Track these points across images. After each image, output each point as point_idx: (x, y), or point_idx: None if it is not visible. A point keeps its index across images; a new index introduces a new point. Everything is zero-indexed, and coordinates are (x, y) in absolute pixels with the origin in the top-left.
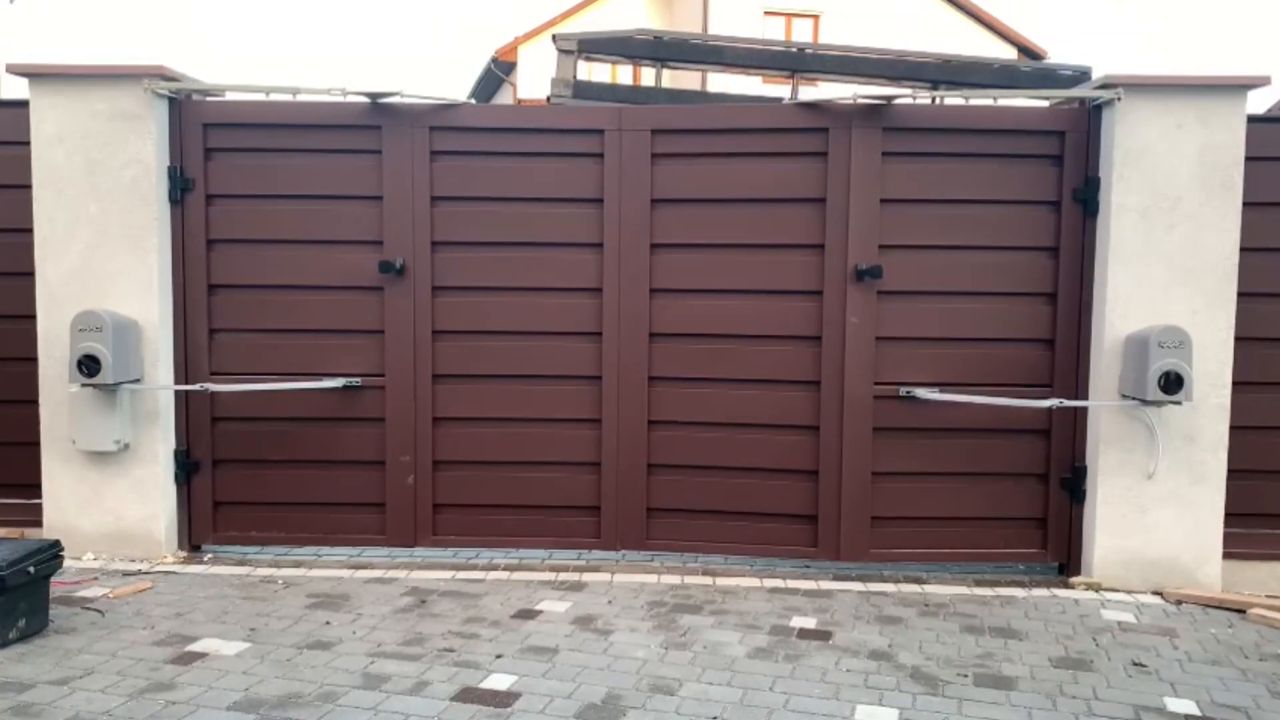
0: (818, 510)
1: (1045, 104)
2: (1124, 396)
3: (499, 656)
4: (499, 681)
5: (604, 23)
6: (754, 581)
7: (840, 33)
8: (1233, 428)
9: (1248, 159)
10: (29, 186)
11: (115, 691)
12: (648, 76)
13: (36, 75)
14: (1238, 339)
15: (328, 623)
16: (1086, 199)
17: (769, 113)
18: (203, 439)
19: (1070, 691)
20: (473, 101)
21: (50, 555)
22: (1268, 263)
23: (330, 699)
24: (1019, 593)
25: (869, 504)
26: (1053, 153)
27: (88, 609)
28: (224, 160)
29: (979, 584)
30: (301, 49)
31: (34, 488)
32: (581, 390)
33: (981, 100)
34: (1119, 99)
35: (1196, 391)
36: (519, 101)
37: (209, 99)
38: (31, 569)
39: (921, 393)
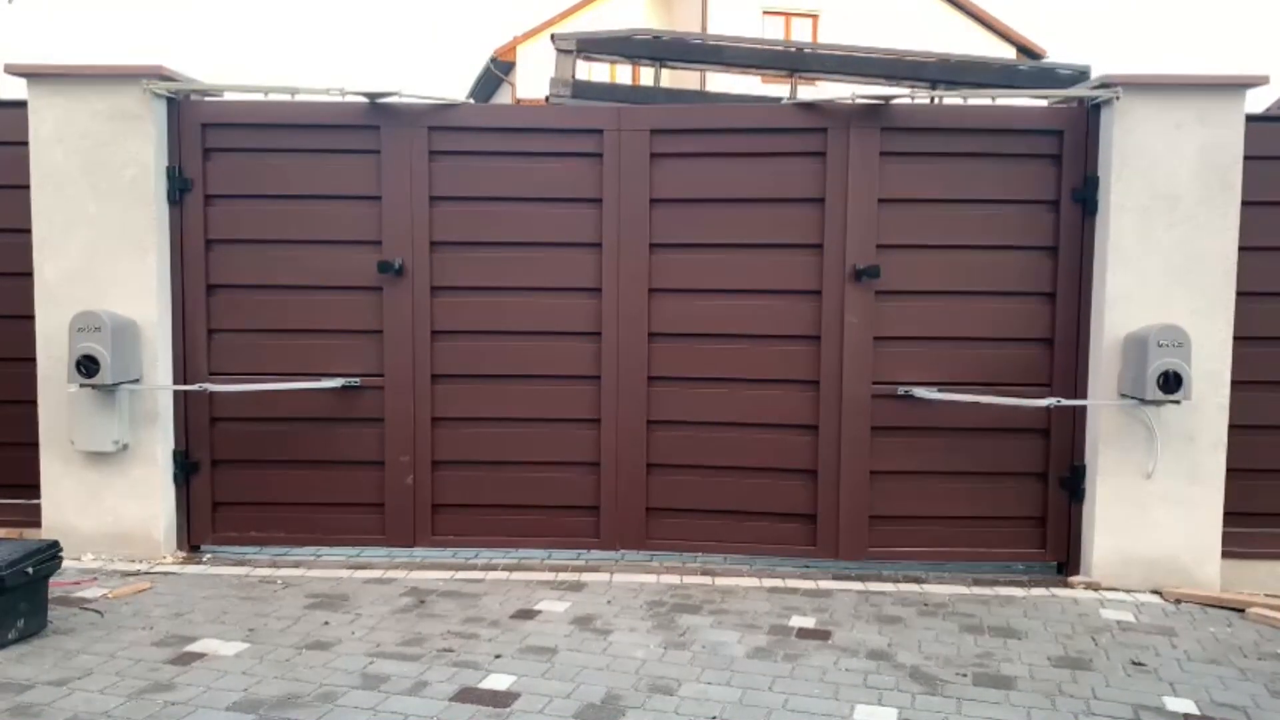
0: (817, 509)
1: (1044, 103)
2: (1123, 396)
3: (498, 656)
4: (498, 681)
5: (603, 22)
6: (753, 581)
7: (839, 32)
8: (1232, 427)
9: (1247, 158)
10: (28, 186)
11: (114, 692)
12: (647, 76)
13: (35, 75)
14: (1237, 338)
15: (327, 623)
16: (1085, 198)
17: (768, 113)
18: (202, 439)
19: (1069, 691)
20: (471, 101)
21: (49, 556)
22: (1267, 262)
23: (329, 699)
24: (1018, 592)
25: (867, 503)
26: (1051, 152)
27: (87, 609)
28: (223, 160)
29: (978, 583)
30: (300, 49)
31: (33, 488)
32: (581, 390)
33: (980, 100)
34: (1118, 98)
35: (1195, 391)
36: (518, 101)
37: (207, 99)
38: (30, 569)
39: (920, 392)
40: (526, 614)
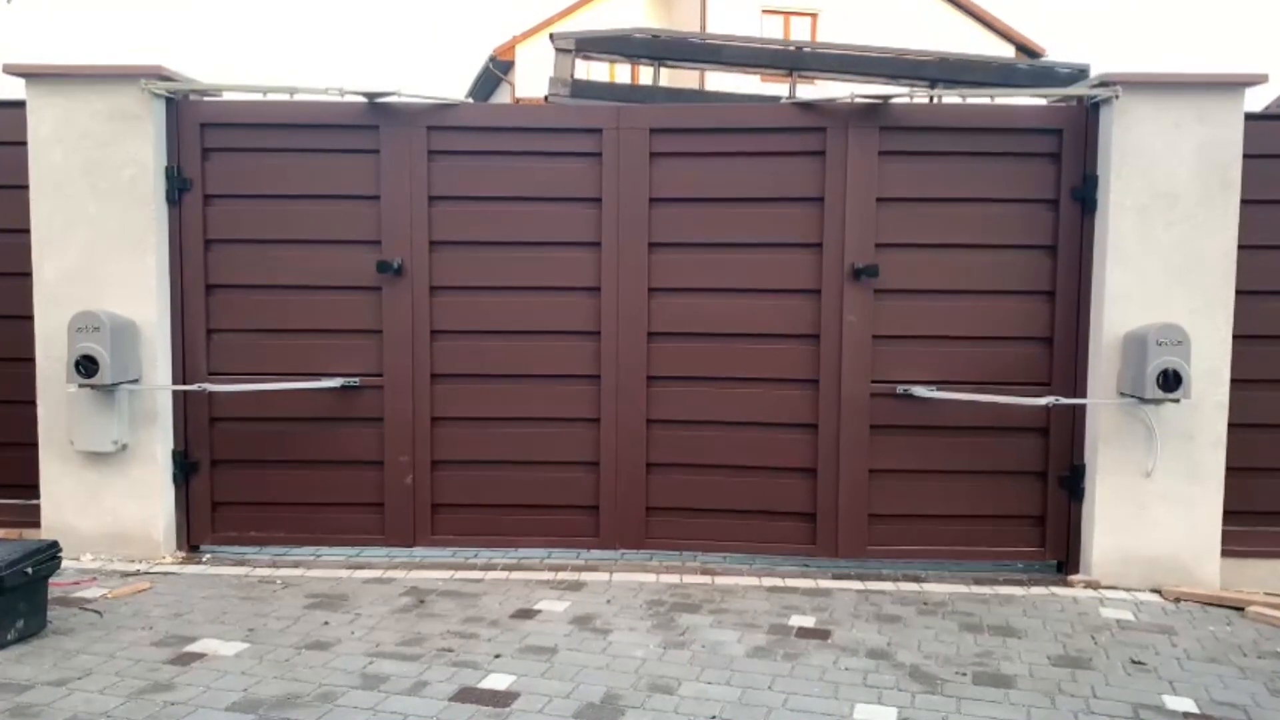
0: (816, 508)
1: (1043, 102)
2: (1122, 394)
3: (498, 656)
4: (498, 681)
5: (602, 21)
6: (752, 580)
7: (838, 31)
8: (1231, 425)
9: (1246, 156)
10: (27, 187)
11: (114, 692)
12: (646, 75)
13: (34, 75)
14: (1236, 337)
15: (326, 623)
16: (1085, 197)
17: (767, 112)
18: (201, 439)
19: (1069, 690)
20: (470, 101)
21: (48, 556)
22: (1266, 261)
23: (329, 699)
24: (1018, 591)
25: (866, 502)
26: (1050, 151)
27: (86, 610)
28: (222, 160)
29: (977, 582)
30: (299, 49)
31: (32, 488)
32: (580, 389)
33: (979, 99)
34: (1117, 97)
35: (1195, 389)
36: (517, 101)
37: (206, 99)
38: (30, 570)
39: (919, 391)
40: (526, 613)
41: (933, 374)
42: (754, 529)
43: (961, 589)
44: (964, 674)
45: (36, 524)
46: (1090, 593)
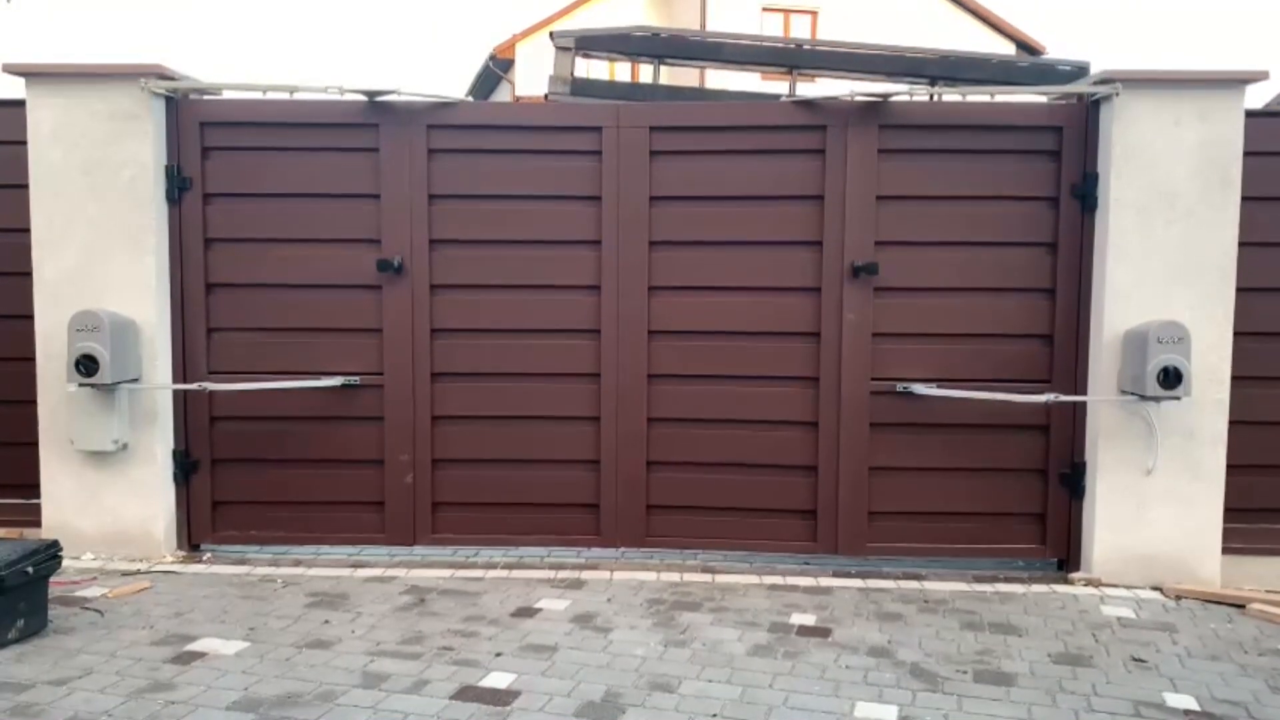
0: (816, 506)
1: (1043, 100)
2: (1123, 392)
3: (498, 655)
4: (498, 680)
5: (602, 19)
6: (753, 579)
7: (838, 29)
8: (1232, 423)
9: (1246, 154)
10: (27, 186)
11: (114, 691)
12: (646, 73)
13: (33, 75)
14: (1237, 334)
15: (327, 622)
16: (1085, 195)
17: (767, 110)
18: (201, 438)
19: (1070, 687)
20: (470, 99)
21: (49, 555)
22: (1267, 258)
23: (329, 698)
24: (1018, 589)
25: (866, 499)
26: (1051, 148)
27: (87, 609)
28: (221, 159)
29: (978, 580)
30: (299, 48)
31: (33, 488)
32: (580, 388)
33: (979, 96)
34: (1117, 94)
35: (1195, 387)
36: (517, 99)
37: (206, 98)
38: (30, 569)
39: (919, 388)
40: (527, 612)
41: (933, 372)
42: (754, 527)
43: (962, 587)
44: (965, 672)
45: (37, 523)
46: (1091, 590)
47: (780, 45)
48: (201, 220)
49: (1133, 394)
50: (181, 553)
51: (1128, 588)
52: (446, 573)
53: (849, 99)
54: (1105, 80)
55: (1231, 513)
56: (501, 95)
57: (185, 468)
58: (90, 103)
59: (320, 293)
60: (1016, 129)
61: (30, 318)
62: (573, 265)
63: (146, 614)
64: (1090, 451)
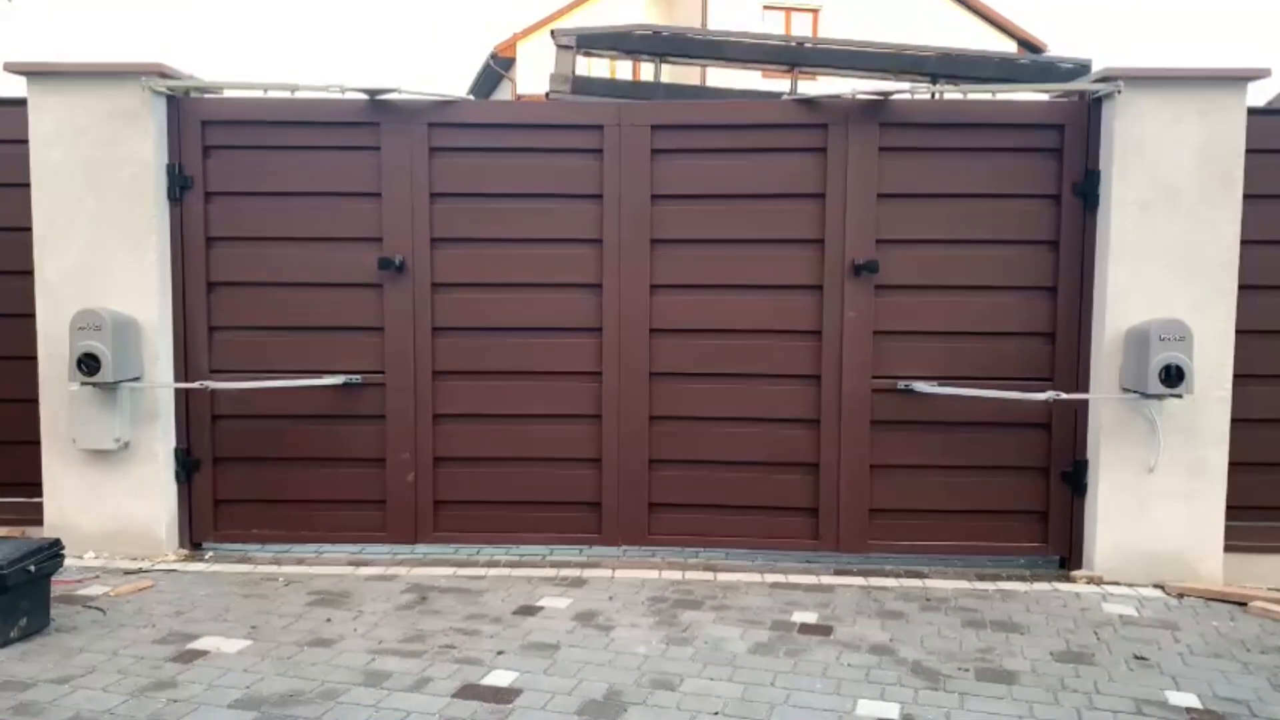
0: (818, 503)
1: (1045, 98)
2: (1125, 390)
3: (500, 653)
4: (500, 678)
5: (603, 18)
6: (755, 577)
7: (840, 27)
8: (1234, 420)
9: (1248, 151)
10: (28, 185)
11: (117, 690)
12: (647, 72)
13: (35, 73)
14: (1239, 332)
15: (329, 620)
16: (1086, 192)
17: (768, 108)
18: (203, 437)
19: (1072, 685)
20: (471, 98)
21: (51, 554)
22: (1269, 255)
23: (331, 696)
24: (1020, 587)
25: (868, 496)
26: (1052, 146)
27: (89, 607)
28: (223, 157)
29: (980, 578)
30: (300, 47)
31: (35, 486)
32: (582, 386)
33: (980, 94)
34: (1119, 92)
35: (1197, 385)
36: (518, 98)
37: (207, 96)
38: (32, 567)
39: (920, 386)
40: (528, 610)
41: (934, 370)
42: (756, 524)
43: (964, 584)
44: (966, 670)
45: (39, 522)
46: (1093, 588)
47: (781, 43)
48: (203, 219)
49: (1134, 392)
50: (183, 551)
51: (1130, 585)
52: (448, 571)
53: (850, 97)
54: (1107, 78)
55: (1233, 510)
56: (503, 94)
57: (187, 466)
58: (91, 101)
59: (322, 291)
60: (1018, 127)
61: (32, 316)
62: (574, 264)
63: (148, 612)
64: (1092, 449)
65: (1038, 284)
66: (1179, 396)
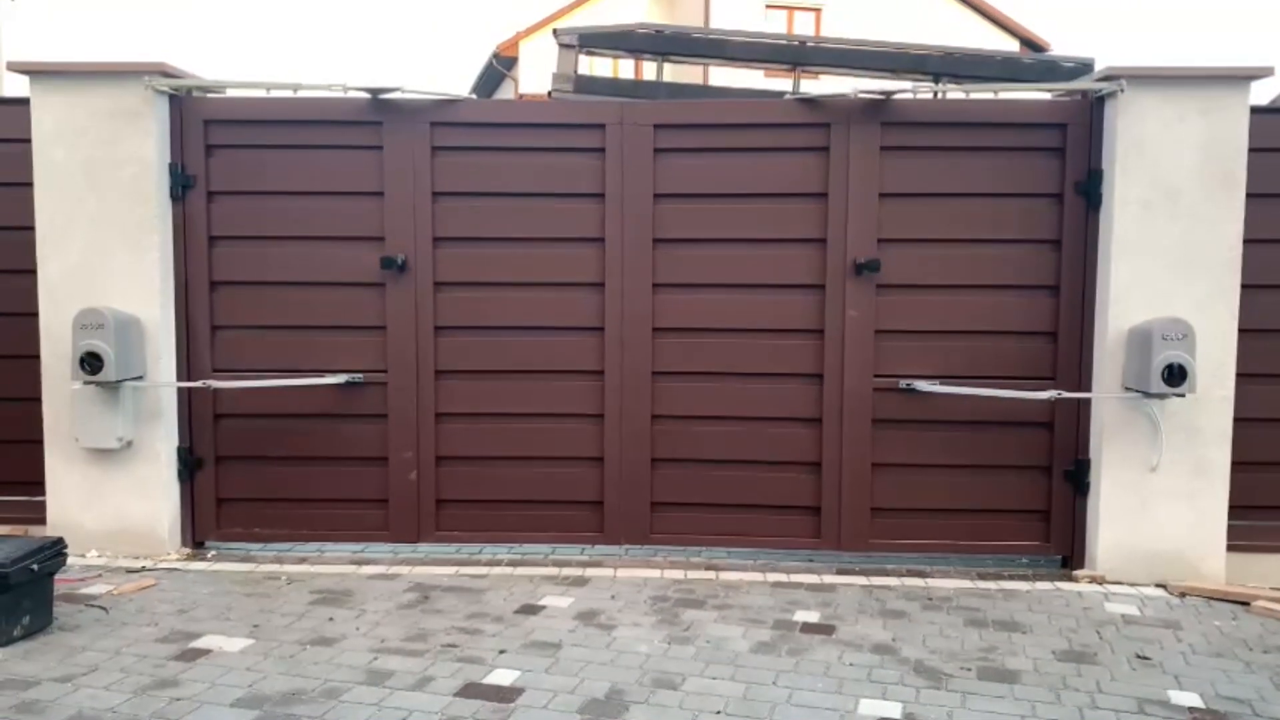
0: (820, 502)
1: (1047, 97)
2: (1127, 389)
3: (502, 652)
4: (502, 677)
5: (605, 17)
6: (757, 576)
7: (842, 26)
8: (1237, 420)
9: (1251, 150)
10: (31, 184)
11: (119, 688)
12: (649, 71)
13: (37, 73)
14: (1241, 331)
15: (331, 619)
16: (1089, 191)
17: (770, 108)
18: (205, 436)
19: (1074, 684)
20: (474, 97)
21: (54, 553)
22: (1271, 254)
23: (334, 695)
24: (1022, 586)
25: (870, 495)
26: (1055, 145)
27: (91, 606)
28: (225, 156)
29: (982, 577)
30: (302, 46)
31: (37, 485)
32: (584, 385)
33: (983, 93)
34: (1121, 91)
35: (1200, 384)
36: (520, 97)
37: (209, 95)
38: (35, 566)
39: (922, 385)
40: (530, 609)
41: (935, 369)
42: (758, 523)
43: (966, 584)
44: (969, 669)
45: (42, 521)
46: (1095, 587)
47: (784, 42)
48: (205, 218)
49: (1137, 391)
50: (186, 550)
51: (1132, 585)
52: (450, 570)
53: (853, 96)
54: (1109, 77)
55: (1236, 510)
56: (505, 93)
57: (189, 465)
58: (93, 100)
59: (324, 290)
60: (1020, 126)
61: (34, 315)
62: (576, 262)
63: (151, 611)
64: (1094, 448)
65: (1040, 283)
66: (1181, 395)
